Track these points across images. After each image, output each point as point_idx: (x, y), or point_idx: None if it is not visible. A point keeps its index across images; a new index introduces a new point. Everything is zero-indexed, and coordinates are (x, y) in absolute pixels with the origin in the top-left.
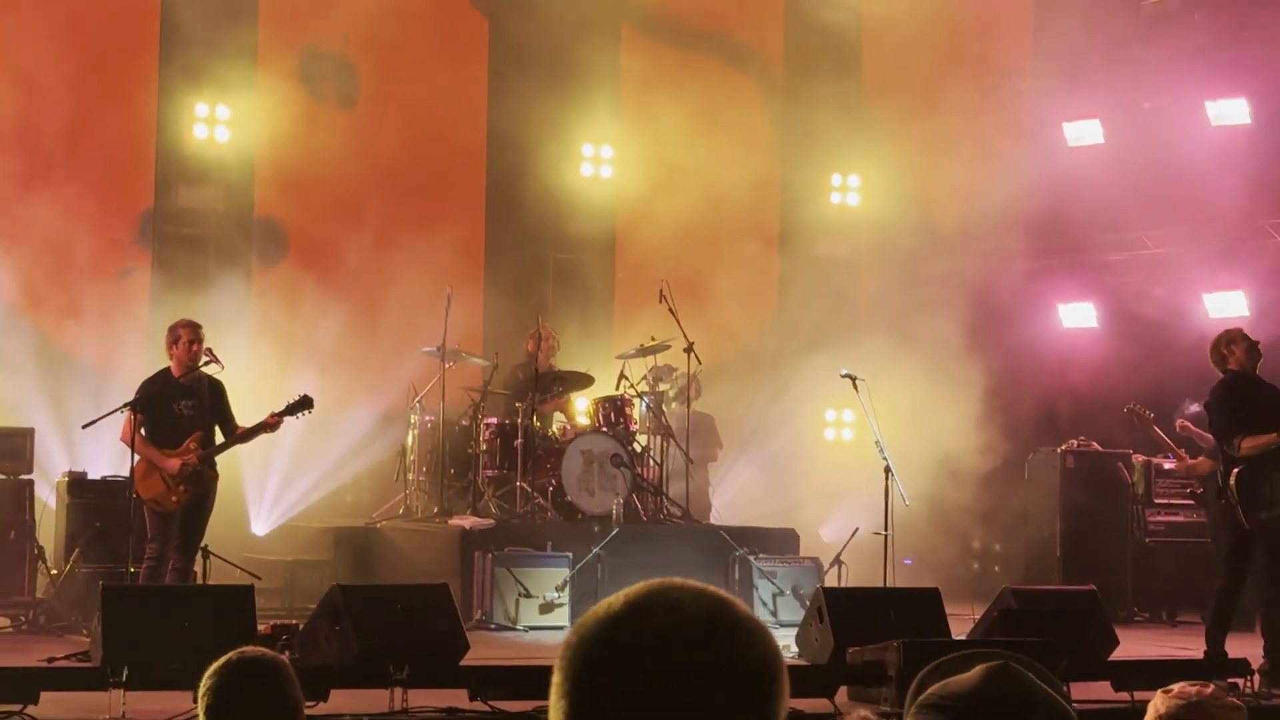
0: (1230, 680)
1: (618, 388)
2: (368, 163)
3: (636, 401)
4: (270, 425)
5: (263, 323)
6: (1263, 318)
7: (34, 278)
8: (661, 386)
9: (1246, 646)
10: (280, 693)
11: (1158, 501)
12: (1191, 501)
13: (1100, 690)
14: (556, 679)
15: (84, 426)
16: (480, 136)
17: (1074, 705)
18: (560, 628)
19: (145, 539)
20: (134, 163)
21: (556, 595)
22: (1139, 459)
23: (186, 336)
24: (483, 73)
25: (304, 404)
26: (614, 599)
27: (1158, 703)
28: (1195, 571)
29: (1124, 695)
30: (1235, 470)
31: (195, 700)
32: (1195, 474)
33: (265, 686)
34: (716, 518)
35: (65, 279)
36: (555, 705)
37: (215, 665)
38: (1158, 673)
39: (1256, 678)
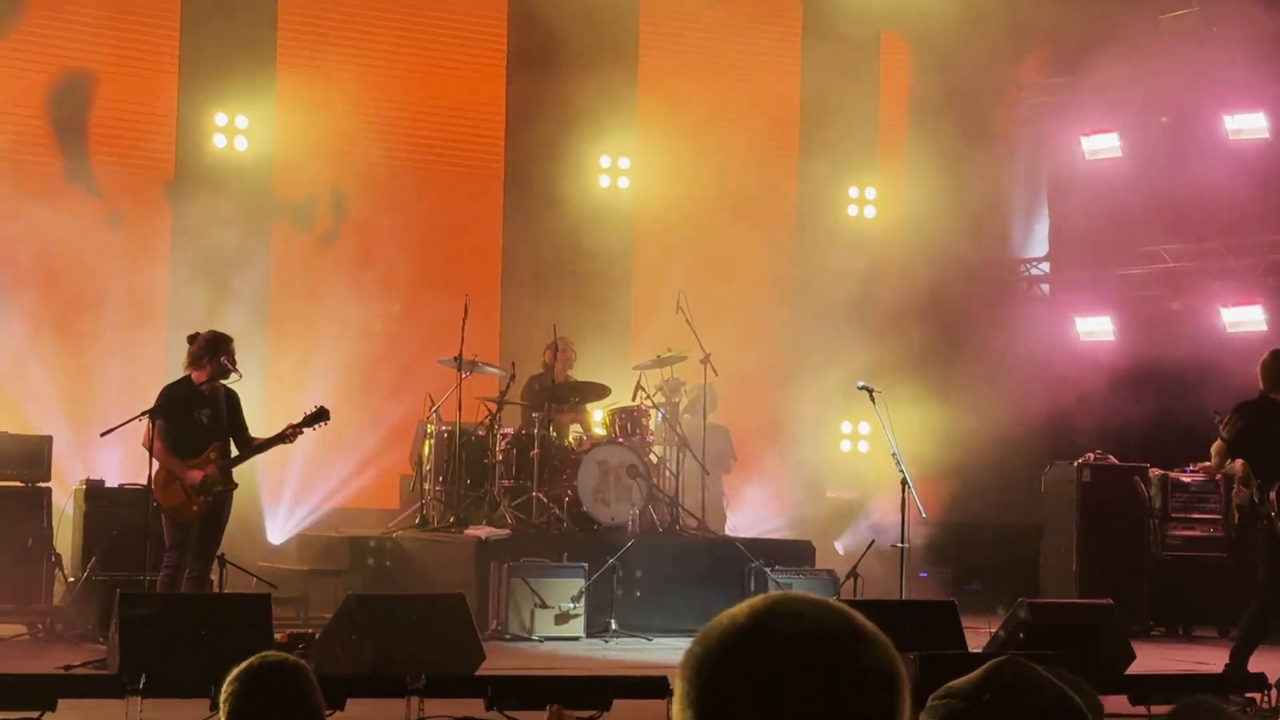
0: (1248, 695)
1: (634, 399)
2: (385, 173)
3: (653, 412)
4: (288, 437)
5: (280, 332)
6: None
7: (52, 287)
8: (673, 399)
9: (1266, 661)
10: (302, 698)
11: (1174, 515)
12: (1208, 515)
13: (1117, 704)
14: (682, 689)
15: (103, 434)
16: (498, 147)
17: None
18: (575, 638)
19: (163, 547)
20: (153, 172)
21: (572, 605)
22: (1155, 473)
23: (229, 349)
24: (501, 83)
25: (321, 415)
26: (737, 609)
27: None
28: (1212, 586)
29: (1141, 709)
30: (1277, 485)
31: (215, 706)
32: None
33: (287, 691)
34: (731, 529)
35: (83, 288)
36: (680, 715)
37: (237, 670)
38: (1175, 687)
39: (1274, 692)
